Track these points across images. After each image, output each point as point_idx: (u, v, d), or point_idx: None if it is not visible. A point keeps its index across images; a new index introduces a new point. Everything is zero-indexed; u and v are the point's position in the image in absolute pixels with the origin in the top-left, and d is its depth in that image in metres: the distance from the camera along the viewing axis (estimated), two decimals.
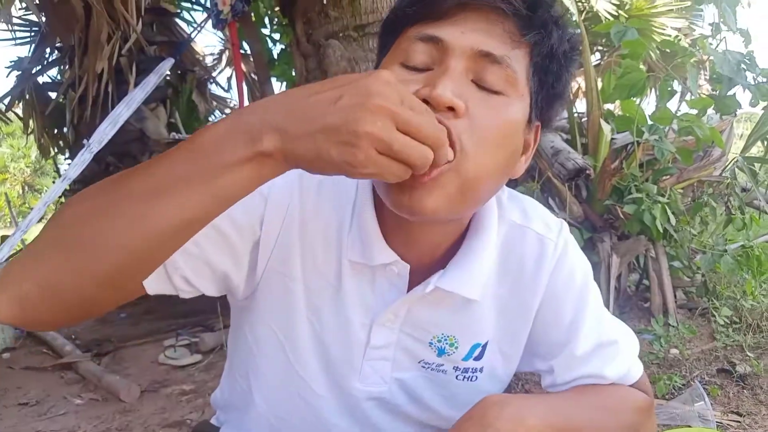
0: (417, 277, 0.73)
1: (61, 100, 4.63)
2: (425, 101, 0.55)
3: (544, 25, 0.61)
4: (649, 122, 2.62)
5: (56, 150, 5.21)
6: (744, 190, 3.19)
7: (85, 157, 2.76)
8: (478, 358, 0.78)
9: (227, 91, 6.15)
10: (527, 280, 0.76)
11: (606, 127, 2.67)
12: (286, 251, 0.72)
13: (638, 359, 0.81)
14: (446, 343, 0.76)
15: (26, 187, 10.94)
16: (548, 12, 0.62)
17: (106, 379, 2.79)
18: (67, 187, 4.63)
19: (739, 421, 2.05)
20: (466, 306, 0.75)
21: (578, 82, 4.66)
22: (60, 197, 5.09)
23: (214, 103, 5.95)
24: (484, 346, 0.77)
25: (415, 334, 0.76)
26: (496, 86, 0.60)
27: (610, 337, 0.77)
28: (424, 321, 0.75)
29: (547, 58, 0.63)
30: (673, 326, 2.66)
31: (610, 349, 0.77)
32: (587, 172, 2.22)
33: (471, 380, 0.79)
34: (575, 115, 2.98)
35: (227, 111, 6.07)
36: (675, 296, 2.90)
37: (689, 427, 1.90)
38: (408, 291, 0.73)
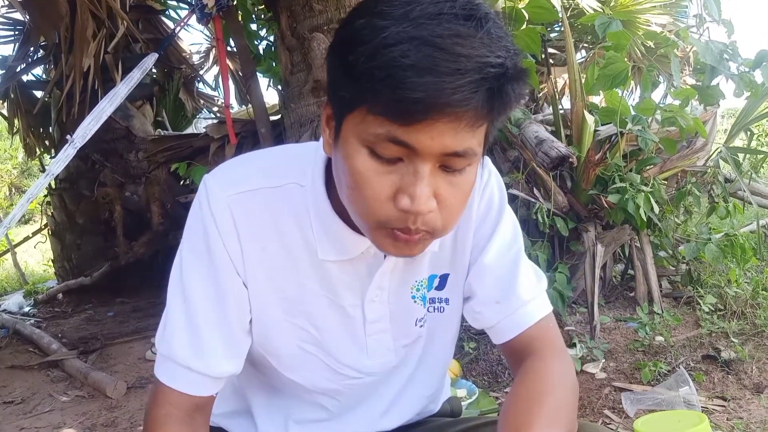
0: None
1: (46, 98, 4.58)
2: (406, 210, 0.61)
3: (505, 102, 0.60)
4: (633, 113, 2.64)
5: (42, 150, 5.16)
6: (727, 180, 3.22)
7: (68, 153, 2.73)
8: (439, 288, 0.83)
9: (214, 89, 6.10)
10: (467, 211, 0.80)
11: (590, 118, 2.69)
12: (250, 278, 0.75)
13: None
14: (423, 288, 0.82)
15: (13, 189, 10.83)
16: (509, 88, 0.59)
17: (92, 376, 2.76)
18: (52, 184, 4.59)
19: (724, 406, 2.06)
20: (427, 253, 0.80)
21: (564, 78, 4.68)
22: (45, 196, 5.06)
23: (201, 101, 5.92)
24: (444, 277, 0.83)
25: (399, 299, 0.81)
26: (461, 166, 0.62)
27: (520, 253, 0.83)
28: (403, 280, 0.81)
29: (501, 116, 0.63)
30: (659, 314, 2.68)
31: (519, 264, 0.82)
32: (570, 160, 2.23)
33: (439, 311, 0.85)
34: (560, 108, 3.00)
35: (215, 109, 6.04)
36: (660, 285, 2.93)
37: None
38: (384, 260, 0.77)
